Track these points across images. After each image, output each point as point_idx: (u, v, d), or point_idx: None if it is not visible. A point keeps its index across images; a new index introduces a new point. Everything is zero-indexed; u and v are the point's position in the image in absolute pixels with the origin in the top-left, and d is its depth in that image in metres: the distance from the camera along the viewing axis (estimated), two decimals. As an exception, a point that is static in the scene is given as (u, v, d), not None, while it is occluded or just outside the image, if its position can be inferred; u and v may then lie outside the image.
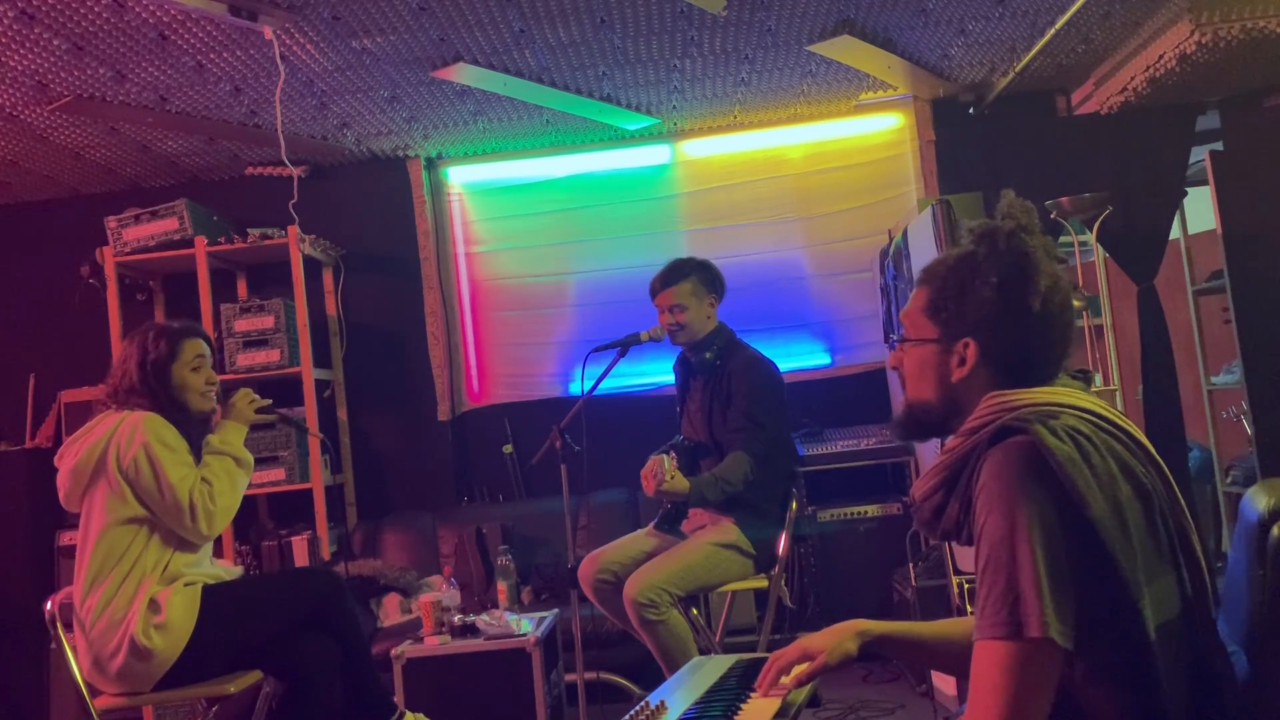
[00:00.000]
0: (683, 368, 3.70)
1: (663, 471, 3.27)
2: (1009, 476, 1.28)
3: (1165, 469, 1.37)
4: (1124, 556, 1.25)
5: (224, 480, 2.85)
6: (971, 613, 3.42)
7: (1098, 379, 4.22)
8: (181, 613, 2.73)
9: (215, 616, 2.78)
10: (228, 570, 3.06)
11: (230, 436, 2.95)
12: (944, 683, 3.63)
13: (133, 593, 2.74)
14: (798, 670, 1.59)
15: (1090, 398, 1.40)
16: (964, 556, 3.58)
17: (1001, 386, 1.43)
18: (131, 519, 2.78)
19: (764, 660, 1.69)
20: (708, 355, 3.53)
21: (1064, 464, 1.26)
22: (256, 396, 3.06)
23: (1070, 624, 1.22)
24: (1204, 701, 1.29)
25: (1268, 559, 1.35)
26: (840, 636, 1.59)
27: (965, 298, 1.44)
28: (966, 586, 3.48)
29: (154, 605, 2.72)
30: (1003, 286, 1.42)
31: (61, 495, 2.88)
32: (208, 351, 2.99)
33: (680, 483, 3.28)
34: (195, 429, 2.96)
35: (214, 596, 2.82)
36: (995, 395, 1.41)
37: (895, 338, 1.55)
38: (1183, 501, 1.36)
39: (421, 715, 3.06)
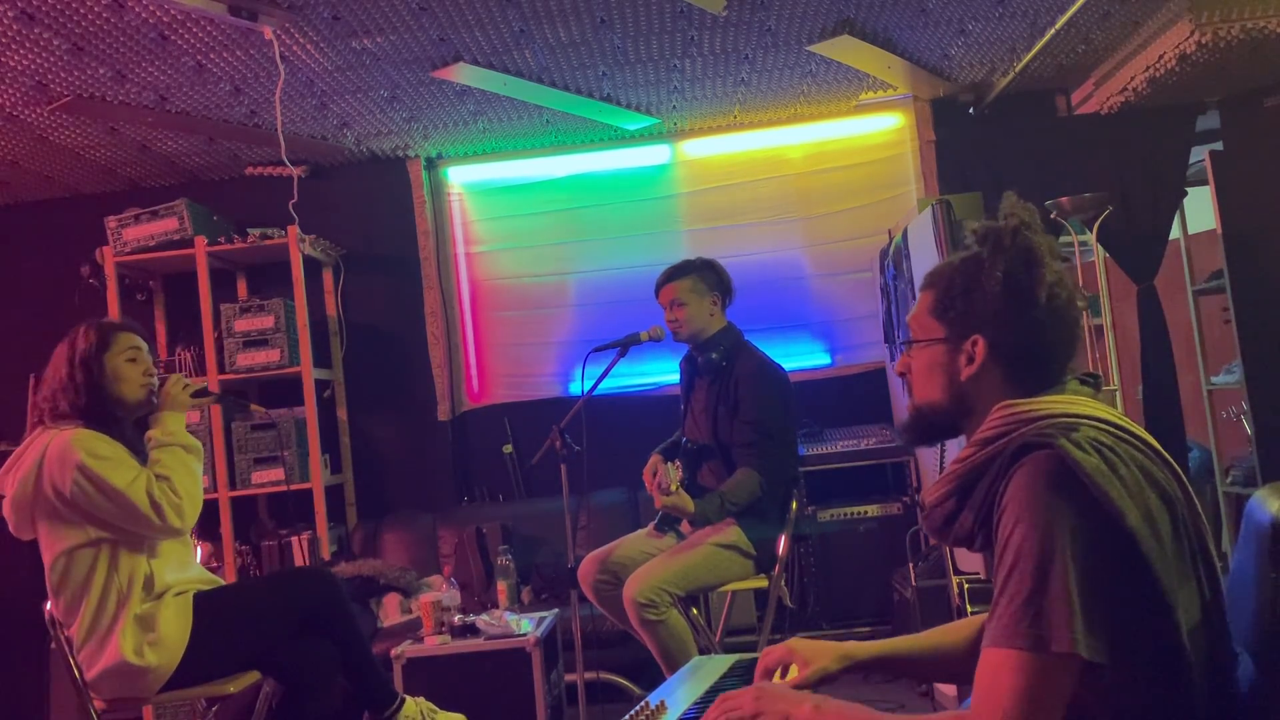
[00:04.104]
0: (688, 366, 3.69)
1: (667, 481, 3.26)
2: (1038, 490, 1.26)
3: (1183, 475, 1.36)
4: (1160, 564, 1.24)
5: (180, 470, 2.73)
6: (972, 613, 3.41)
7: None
8: (175, 626, 2.70)
9: (209, 624, 2.74)
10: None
11: (171, 425, 2.82)
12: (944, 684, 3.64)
13: (114, 614, 2.67)
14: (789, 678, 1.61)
15: (1104, 406, 1.39)
16: (964, 557, 3.58)
17: (1011, 385, 1.42)
18: (87, 543, 2.69)
19: (764, 661, 1.70)
20: (714, 355, 3.51)
21: (1094, 475, 1.24)
22: (189, 381, 2.92)
23: (1101, 637, 1.20)
24: (1219, 707, 1.29)
25: None
26: (826, 654, 1.60)
27: (972, 294, 1.44)
28: (966, 586, 3.48)
29: (146, 622, 2.68)
30: (1009, 280, 1.42)
31: (11, 527, 2.77)
32: (144, 346, 2.88)
33: (685, 500, 3.27)
34: (132, 429, 2.86)
35: (207, 603, 2.78)
36: (1007, 405, 1.39)
37: (902, 343, 1.54)
38: (1199, 506, 1.35)
39: (422, 699, 3.04)
